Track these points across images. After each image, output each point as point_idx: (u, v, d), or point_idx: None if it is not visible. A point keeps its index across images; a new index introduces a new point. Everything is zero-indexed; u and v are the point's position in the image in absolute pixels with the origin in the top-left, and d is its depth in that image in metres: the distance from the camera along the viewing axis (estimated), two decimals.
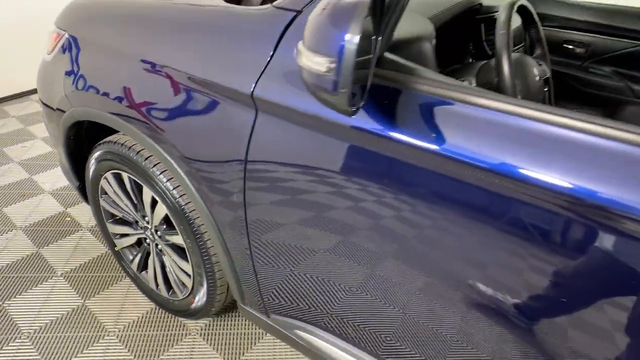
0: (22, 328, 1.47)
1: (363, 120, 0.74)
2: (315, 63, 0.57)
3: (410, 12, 1.04)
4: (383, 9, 0.64)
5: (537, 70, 1.14)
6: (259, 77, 0.85)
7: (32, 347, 1.41)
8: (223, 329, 1.51)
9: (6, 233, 1.88)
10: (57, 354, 1.40)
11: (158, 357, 1.41)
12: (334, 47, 0.55)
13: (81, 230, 1.93)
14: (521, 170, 0.61)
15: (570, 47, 1.88)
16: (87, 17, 1.31)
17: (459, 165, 0.66)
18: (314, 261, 0.97)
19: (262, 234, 1.02)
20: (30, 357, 1.38)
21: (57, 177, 2.28)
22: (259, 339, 1.48)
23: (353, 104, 0.61)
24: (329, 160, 0.82)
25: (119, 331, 1.49)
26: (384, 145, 0.73)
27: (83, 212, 2.02)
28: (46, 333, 1.46)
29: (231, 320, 1.54)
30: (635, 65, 1.76)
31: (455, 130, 0.68)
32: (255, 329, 1.52)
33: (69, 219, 1.99)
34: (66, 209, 2.05)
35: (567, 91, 1.93)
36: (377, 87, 0.75)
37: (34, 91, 3.11)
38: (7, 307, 1.54)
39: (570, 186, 0.57)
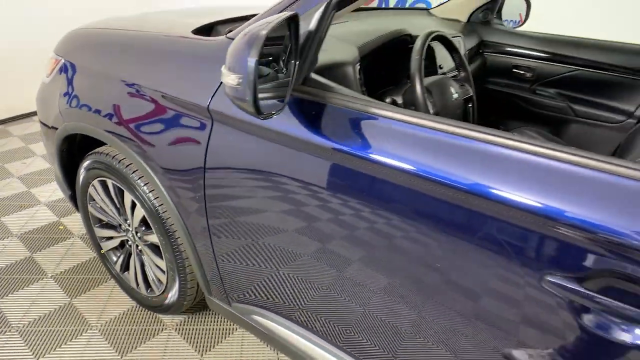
0: (11, 323, 1.62)
1: (292, 127, 0.92)
2: (231, 79, 0.75)
3: (340, 41, 1.24)
4: (298, 42, 0.83)
5: (456, 90, 1.32)
6: (214, 94, 1.04)
7: (20, 339, 1.55)
8: (196, 325, 1.65)
9: (2, 239, 2.04)
10: (43, 345, 1.53)
11: (135, 348, 1.55)
12: (242, 67, 0.73)
13: (73, 237, 2.09)
14: (405, 166, 0.78)
15: (519, 71, 2.08)
16: (80, 45, 1.52)
17: (363, 161, 0.83)
18: (267, 253, 1.12)
19: (221, 231, 1.18)
20: (19, 348, 1.52)
21: (53, 191, 2.45)
22: (228, 334, 1.62)
23: (265, 111, 0.79)
24: (268, 161, 0.99)
25: (101, 326, 1.63)
26: (308, 147, 0.91)
27: (75, 222, 2.19)
28: (34, 327, 1.60)
29: (203, 318, 1.68)
30: (574, 87, 1.96)
31: (362, 134, 0.85)
32: (225, 325, 1.65)
33: (61, 227, 2.15)
34: (60, 218, 2.22)
35: (518, 111, 2.12)
36: (304, 101, 0.93)
37: (35, 113, 3.32)
38: None
39: (464, 181, 0.72)
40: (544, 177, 0.68)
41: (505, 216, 0.71)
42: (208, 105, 1.04)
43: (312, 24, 0.87)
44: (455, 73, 1.64)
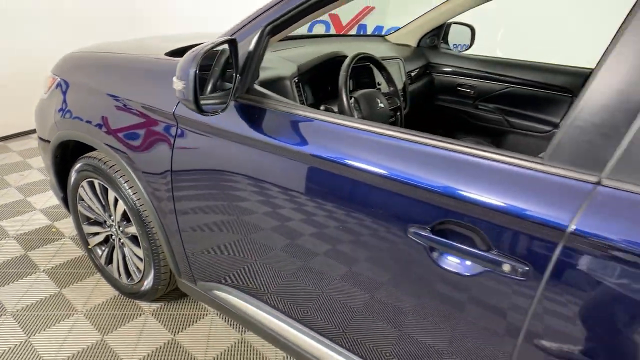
0: (7, 308, 1.82)
1: (237, 126, 1.17)
2: (178, 85, 1.00)
3: (285, 60, 1.51)
4: (237, 60, 1.10)
5: (382, 101, 1.59)
6: (178, 102, 1.29)
7: (14, 321, 1.75)
8: (170, 310, 1.86)
9: (0, 240, 2.26)
10: (34, 326, 1.74)
11: (116, 329, 1.75)
12: (186, 76, 0.98)
13: (64, 238, 2.30)
14: (321, 153, 1.03)
15: (463, 89, 2.37)
16: (74, 66, 1.78)
17: (292, 151, 1.08)
18: (225, 238, 1.35)
19: (186, 220, 1.41)
20: (13, 329, 1.72)
21: (48, 199, 2.68)
22: (199, 318, 1.83)
23: (209, 110, 1.05)
24: (220, 154, 1.23)
25: (87, 311, 1.83)
26: (249, 142, 1.15)
27: (66, 225, 2.41)
28: (27, 312, 1.81)
29: (178, 305, 1.89)
30: (509, 102, 2.23)
31: (291, 131, 1.10)
32: (197, 310, 1.86)
33: (54, 229, 2.37)
34: (53, 222, 2.44)
35: (463, 124, 2.39)
36: (248, 106, 1.18)
37: (34, 131, 3.57)
38: None
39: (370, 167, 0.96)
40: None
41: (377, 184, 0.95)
42: (174, 111, 1.30)
43: (251, 46, 1.14)
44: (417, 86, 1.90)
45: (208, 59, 1.05)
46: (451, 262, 0.89)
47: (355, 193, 1.00)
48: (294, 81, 1.43)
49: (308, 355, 1.28)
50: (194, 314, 1.85)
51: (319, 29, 4.92)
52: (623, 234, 0.69)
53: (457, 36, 2.52)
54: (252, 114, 1.17)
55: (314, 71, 1.53)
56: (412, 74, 2.28)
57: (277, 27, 1.13)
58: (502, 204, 0.79)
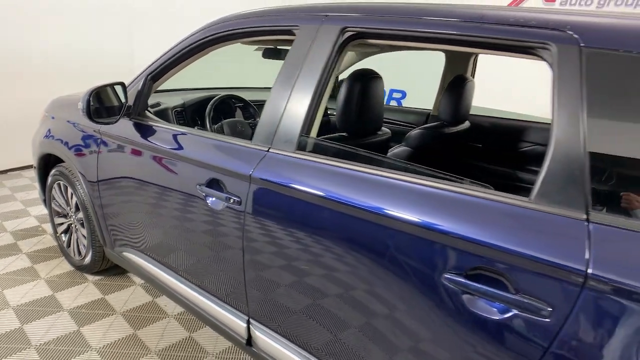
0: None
1: (132, 136, 1.88)
2: (79, 105, 1.75)
3: (174, 95, 2.26)
4: (126, 96, 1.84)
5: (243, 126, 2.30)
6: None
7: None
8: (108, 281, 2.51)
9: (1, 233, 3.01)
10: (11, 286, 2.41)
11: (64, 290, 2.40)
12: (83, 100, 1.73)
13: (45, 234, 3.03)
14: (184, 154, 1.73)
15: None
16: (56, 105, 2.59)
17: (167, 153, 1.76)
18: (129, 215, 2.01)
19: (107, 204, 2.10)
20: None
21: (40, 210, 3.44)
22: (126, 287, 2.46)
23: (100, 121, 1.79)
24: (123, 156, 1.94)
25: (49, 278, 2.50)
26: (141, 146, 1.86)
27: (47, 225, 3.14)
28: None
29: (113, 279, 2.54)
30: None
31: (164, 140, 1.80)
32: (127, 282, 2.50)
33: (40, 228, 3.11)
34: (41, 224, 3.19)
35: None
36: (139, 123, 1.90)
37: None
38: None
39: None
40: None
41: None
42: (99, 130, 2.04)
43: (139, 87, 1.89)
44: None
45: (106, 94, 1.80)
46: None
47: (185, 173, 1.67)
48: (174, 111, 2.17)
49: (186, 301, 1.86)
50: (122, 285, 2.48)
51: None
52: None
53: None
54: (141, 128, 1.89)
55: (198, 105, 2.28)
56: None
57: (155, 76, 1.89)
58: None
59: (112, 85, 1.81)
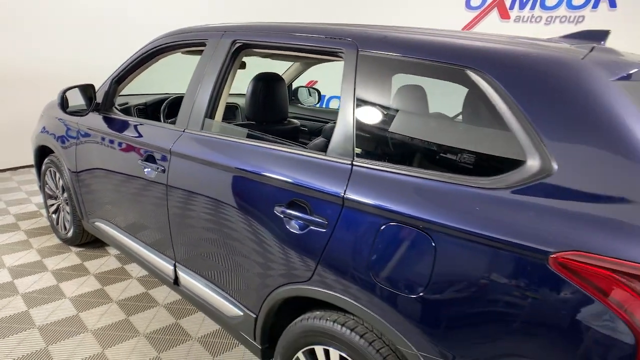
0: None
1: (101, 126, 2.40)
2: (56, 100, 2.27)
3: (143, 98, 2.77)
4: (95, 96, 2.36)
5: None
6: (81, 117, 2.56)
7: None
8: (88, 252, 3.01)
9: (4, 215, 3.55)
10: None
11: (50, 257, 2.91)
12: (58, 95, 2.25)
13: (42, 217, 3.56)
14: (134, 138, 2.23)
15: (303, 127, 3.53)
16: (48, 106, 3.14)
17: (122, 138, 2.28)
18: (99, 186, 2.52)
19: (82, 183, 2.61)
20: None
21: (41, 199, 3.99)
22: (102, 256, 2.96)
23: (72, 112, 2.31)
24: (95, 142, 2.46)
25: (39, 248, 3.02)
26: (105, 134, 2.37)
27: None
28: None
29: (92, 250, 3.04)
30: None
31: (122, 128, 2.31)
32: (103, 253, 3.00)
33: (38, 212, 3.65)
34: (39, 210, 3.73)
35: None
36: (108, 117, 2.42)
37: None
38: None
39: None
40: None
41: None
42: (78, 122, 2.57)
43: (106, 88, 2.41)
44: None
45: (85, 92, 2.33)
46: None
47: (132, 152, 2.17)
48: (136, 108, 2.68)
49: (134, 254, 2.35)
50: (98, 255, 2.98)
51: None
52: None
53: (310, 96, 3.74)
54: (106, 120, 2.40)
55: (157, 104, 2.79)
56: None
57: (118, 79, 2.41)
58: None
59: (83, 86, 2.33)
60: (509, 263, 1.02)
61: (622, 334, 0.89)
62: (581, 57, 1.11)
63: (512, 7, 4.89)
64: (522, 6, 4.81)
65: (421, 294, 1.14)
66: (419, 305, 1.15)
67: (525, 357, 1.01)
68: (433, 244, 1.12)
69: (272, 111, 2.12)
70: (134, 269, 2.84)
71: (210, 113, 1.84)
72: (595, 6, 4.31)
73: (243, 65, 3.00)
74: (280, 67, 3.16)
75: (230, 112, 3.15)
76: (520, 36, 1.45)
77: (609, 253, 0.91)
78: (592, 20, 4.34)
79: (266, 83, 2.04)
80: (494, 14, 5.04)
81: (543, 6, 4.67)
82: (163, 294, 2.58)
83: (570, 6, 4.48)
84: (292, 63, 3.33)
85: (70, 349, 2.07)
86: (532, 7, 4.74)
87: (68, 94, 2.35)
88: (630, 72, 1.10)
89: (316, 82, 6.25)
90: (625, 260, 0.89)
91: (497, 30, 4.99)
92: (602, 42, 1.47)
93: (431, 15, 5.43)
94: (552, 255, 0.95)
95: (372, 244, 1.23)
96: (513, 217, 1.03)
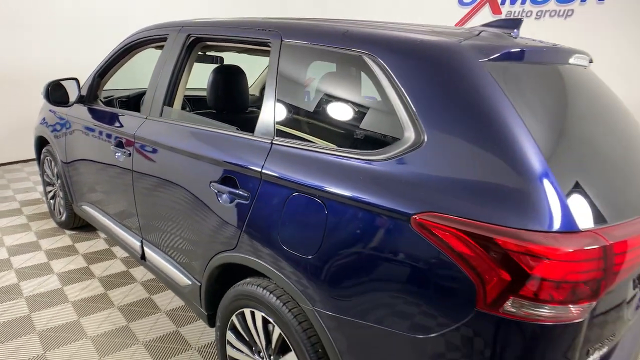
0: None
1: (85, 117, 2.61)
2: (42, 92, 2.49)
3: (126, 92, 2.98)
4: (80, 87, 2.58)
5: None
6: (70, 108, 2.79)
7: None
8: (79, 235, 3.25)
9: (9, 201, 3.84)
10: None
11: (45, 239, 3.16)
12: (44, 88, 2.47)
13: (43, 204, 3.83)
14: (107, 127, 2.44)
15: None
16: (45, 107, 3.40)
17: (103, 127, 2.49)
18: (83, 171, 2.74)
19: (71, 170, 2.84)
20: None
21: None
22: (92, 239, 3.19)
23: (58, 104, 2.53)
24: (81, 131, 2.67)
25: (37, 231, 3.27)
26: (91, 124, 2.58)
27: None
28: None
29: (84, 233, 3.28)
30: None
31: (103, 117, 2.52)
32: (93, 236, 3.23)
33: (41, 200, 3.92)
34: (41, 197, 4.00)
35: None
36: (92, 108, 2.63)
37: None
38: None
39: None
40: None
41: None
42: (66, 113, 2.79)
43: (90, 82, 2.62)
44: None
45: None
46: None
47: (106, 139, 2.37)
48: (118, 100, 2.89)
49: (110, 232, 2.55)
50: (86, 237, 3.21)
51: None
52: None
53: None
54: (93, 111, 2.61)
55: (139, 97, 2.99)
56: None
57: (101, 73, 2.62)
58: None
59: (68, 79, 2.55)
60: (383, 225, 1.15)
61: (464, 282, 1.01)
62: (459, 42, 1.23)
63: (503, 3, 4.92)
64: (512, 1, 4.84)
65: (315, 255, 1.27)
66: (313, 265, 1.28)
67: (393, 305, 1.14)
68: (326, 211, 1.26)
69: (231, 101, 2.28)
70: (119, 251, 3.06)
71: (169, 101, 2.01)
72: (583, 0, 4.31)
73: (222, 61, 3.20)
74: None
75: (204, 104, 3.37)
76: (423, 24, 1.57)
77: (459, 214, 1.03)
78: (581, 14, 4.34)
79: (225, 75, 2.19)
80: (486, 9, 5.08)
81: (533, 1, 4.69)
82: (142, 272, 2.78)
83: (560, 0, 4.49)
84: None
85: (50, 316, 2.28)
86: (523, 2, 4.77)
87: (56, 85, 2.56)
88: (499, 53, 1.20)
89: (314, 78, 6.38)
90: (470, 220, 1.01)
91: None
92: (516, 30, 1.57)
93: (425, 12, 5.51)
94: (413, 216, 1.08)
95: (281, 212, 1.38)
96: (386, 184, 1.16)
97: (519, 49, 1.24)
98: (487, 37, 1.33)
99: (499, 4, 4.96)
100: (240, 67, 2.30)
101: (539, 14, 4.69)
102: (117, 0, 5.46)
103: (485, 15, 5.08)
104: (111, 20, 5.35)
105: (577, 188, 1.05)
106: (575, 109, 1.32)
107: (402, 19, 2.28)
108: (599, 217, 1.03)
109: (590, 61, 1.59)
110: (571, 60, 1.40)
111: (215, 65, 2.18)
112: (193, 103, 3.11)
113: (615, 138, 1.36)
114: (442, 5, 5.41)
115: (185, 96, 3.33)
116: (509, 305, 0.98)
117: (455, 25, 5.36)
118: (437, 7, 5.44)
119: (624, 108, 1.55)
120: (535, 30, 4.61)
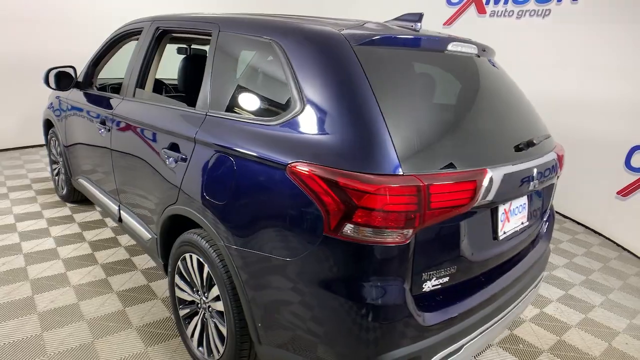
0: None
1: (81, 101, 3.00)
2: (43, 77, 2.88)
3: (117, 79, 3.36)
4: (76, 74, 2.96)
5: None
6: (64, 92, 3.18)
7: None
8: (79, 208, 3.65)
9: (21, 179, 4.29)
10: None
11: (48, 209, 3.57)
12: (44, 74, 2.86)
13: (49, 180, 4.27)
14: (94, 108, 2.81)
15: None
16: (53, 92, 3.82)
17: (95, 108, 2.87)
18: (77, 148, 3.12)
19: (69, 146, 3.23)
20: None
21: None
22: (89, 211, 3.59)
23: (57, 88, 2.92)
24: (77, 114, 3.06)
25: (42, 203, 3.70)
26: (84, 106, 2.97)
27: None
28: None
29: (83, 206, 3.68)
30: None
31: (95, 100, 2.90)
32: (91, 209, 3.63)
33: (50, 178, 4.37)
34: (50, 175, 4.44)
35: None
36: (87, 93, 3.02)
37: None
38: None
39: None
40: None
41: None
42: (67, 98, 3.19)
43: (85, 71, 3.00)
44: None
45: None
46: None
47: (94, 117, 2.74)
48: (111, 86, 3.26)
49: (96, 199, 2.92)
50: (83, 215, 3.61)
51: None
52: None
53: None
54: (86, 95, 2.99)
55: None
56: None
57: (95, 62, 3.00)
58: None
59: (66, 67, 2.94)
60: (269, 173, 1.45)
61: (318, 214, 1.31)
62: (339, 30, 1.52)
63: (487, 3, 5.12)
64: (496, 1, 5.04)
65: (225, 201, 1.59)
66: (224, 209, 1.60)
67: (273, 236, 1.44)
68: (235, 167, 1.57)
69: (194, 83, 2.61)
70: (111, 222, 3.44)
71: (140, 83, 2.36)
72: (559, 0, 4.48)
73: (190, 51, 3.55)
74: None
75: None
76: (328, 17, 1.86)
77: (319, 163, 1.33)
78: (557, 14, 4.52)
79: (191, 62, 2.53)
80: (472, 9, 5.28)
81: (515, 1, 4.88)
82: (127, 238, 3.15)
83: (539, 0, 4.66)
84: None
85: (42, 269, 2.67)
86: (506, 2, 4.96)
87: (56, 72, 2.96)
88: (367, 40, 1.48)
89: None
90: (324, 166, 1.31)
91: (475, 25, 5.25)
92: (418, 22, 1.84)
93: (416, 11, 5.73)
94: (287, 165, 1.38)
95: (206, 169, 1.70)
96: (275, 142, 1.46)
97: (384, 36, 1.52)
98: (370, 27, 1.62)
99: (484, 4, 5.16)
100: (201, 55, 2.64)
101: (520, 13, 4.87)
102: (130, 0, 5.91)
103: (471, 15, 5.29)
104: (120, 20, 5.79)
105: (409, 144, 1.33)
106: (434, 84, 1.61)
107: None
108: (424, 166, 1.31)
109: (484, 50, 1.86)
110: (450, 48, 1.67)
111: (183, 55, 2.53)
112: (174, 88, 3.49)
113: (471, 110, 1.64)
114: (432, 4, 5.63)
115: (167, 83, 3.74)
116: (348, 231, 1.27)
117: (444, 24, 5.59)
118: (427, 7, 5.67)
119: (506, 89, 1.81)
120: (517, 29, 4.81)
